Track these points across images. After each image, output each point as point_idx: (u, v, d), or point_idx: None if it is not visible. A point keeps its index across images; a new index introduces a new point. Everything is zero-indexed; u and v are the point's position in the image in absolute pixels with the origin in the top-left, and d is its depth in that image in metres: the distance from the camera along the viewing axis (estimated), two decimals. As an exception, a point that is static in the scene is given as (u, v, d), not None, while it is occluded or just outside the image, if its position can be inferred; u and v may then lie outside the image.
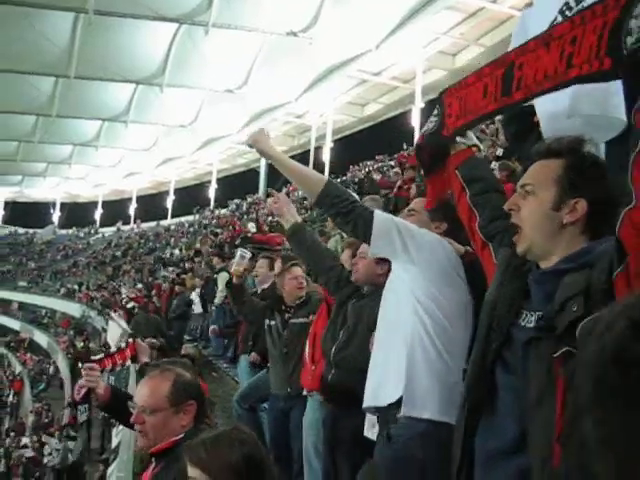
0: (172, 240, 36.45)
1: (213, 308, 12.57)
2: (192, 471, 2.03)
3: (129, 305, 16.83)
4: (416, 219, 3.12)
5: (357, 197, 2.99)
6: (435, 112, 2.54)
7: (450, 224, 2.99)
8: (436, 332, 2.72)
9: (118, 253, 41.08)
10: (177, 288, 14.91)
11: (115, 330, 16.04)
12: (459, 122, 2.40)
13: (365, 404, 2.90)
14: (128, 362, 4.26)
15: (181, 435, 2.54)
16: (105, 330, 22.01)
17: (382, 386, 2.79)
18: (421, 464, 2.63)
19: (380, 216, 2.81)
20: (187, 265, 22.22)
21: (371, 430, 3.07)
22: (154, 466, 2.63)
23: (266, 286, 6.83)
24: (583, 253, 1.85)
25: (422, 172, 2.79)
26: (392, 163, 20.67)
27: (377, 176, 19.09)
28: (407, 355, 2.71)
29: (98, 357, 4.04)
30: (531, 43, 1.93)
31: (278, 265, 5.68)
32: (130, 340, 4.28)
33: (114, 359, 4.17)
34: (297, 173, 3.03)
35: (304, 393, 4.51)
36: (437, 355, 2.70)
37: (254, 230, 19.30)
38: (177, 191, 46.76)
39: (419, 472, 2.64)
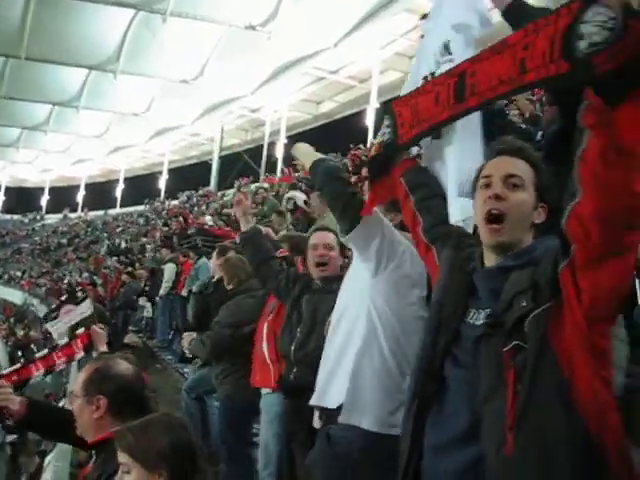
0: (120, 230, 35.92)
1: (157, 299, 12.45)
2: (121, 456, 2.08)
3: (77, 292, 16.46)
4: (335, 254, 3.21)
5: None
6: (386, 123, 2.59)
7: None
8: (387, 341, 2.73)
9: (64, 241, 40.31)
10: (124, 278, 14.69)
11: (58, 318, 15.68)
12: (413, 131, 2.43)
13: (312, 401, 2.94)
14: (79, 355, 4.00)
15: (113, 430, 2.48)
16: (47, 318, 21.55)
17: (329, 386, 2.82)
18: (356, 467, 2.66)
19: (377, 212, 2.88)
20: (136, 256, 21.93)
21: (317, 422, 3.08)
22: (95, 459, 2.61)
23: (216, 279, 6.77)
24: (529, 250, 1.95)
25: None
26: (345, 161, 20.65)
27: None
28: (355, 361, 2.73)
29: (7, 371, 3.86)
30: (484, 52, 1.99)
31: (214, 258, 5.89)
32: (80, 330, 4.03)
33: (51, 360, 3.96)
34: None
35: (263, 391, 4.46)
36: (384, 367, 2.72)
37: (211, 223, 19.16)
38: (127, 180, 46.09)
39: (353, 475, 2.67)
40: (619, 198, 1.59)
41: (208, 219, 20.67)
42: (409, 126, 2.44)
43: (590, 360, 1.71)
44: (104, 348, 3.90)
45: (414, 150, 2.72)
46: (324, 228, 4.08)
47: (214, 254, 6.92)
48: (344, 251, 3.90)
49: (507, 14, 2.65)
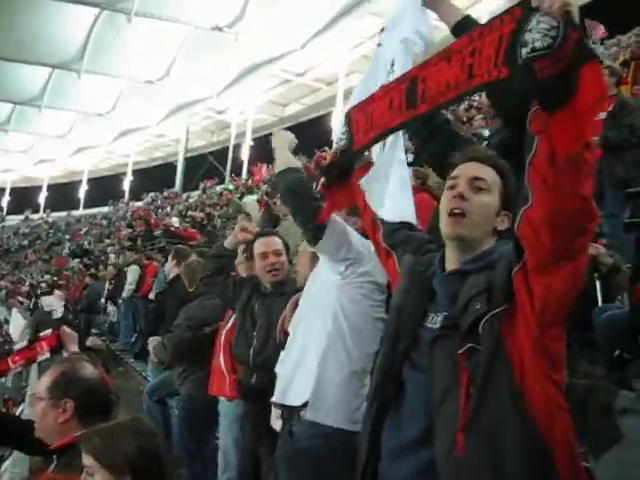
0: (84, 231, 35.52)
1: (120, 301, 12.31)
2: (86, 459, 2.06)
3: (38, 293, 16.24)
4: (284, 259, 3.28)
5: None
6: (344, 129, 2.59)
7: None
8: (352, 341, 2.76)
9: (25, 242, 39.71)
10: (87, 280, 14.50)
11: (18, 321, 15.43)
12: (368, 137, 2.43)
13: (274, 399, 2.94)
14: (41, 357, 3.87)
15: (76, 434, 2.43)
16: (7, 321, 21.18)
17: (292, 384, 2.83)
18: (321, 463, 2.68)
19: (337, 218, 2.89)
20: (99, 258, 21.66)
21: (276, 422, 3.10)
22: (56, 463, 2.53)
23: (170, 279, 6.87)
24: (486, 254, 1.97)
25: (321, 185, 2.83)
26: (310, 165, 20.68)
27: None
28: (320, 359, 2.74)
29: None
30: (433, 58, 2.00)
31: (169, 261, 5.99)
32: (47, 332, 3.90)
33: (12, 359, 3.87)
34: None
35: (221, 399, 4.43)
36: (350, 365, 2.74)
37: (177, 225, 19.05)
38: (91, 181, 45.52)
39: (318, 470, 2.69)
40: (568, 202, 1.62)
41: (175, 221, 20.56)
42: (363, 132, 2.46)
43: (542, 363, 1.74)
44: (76, 348, 3.82)
45: (374, 155, 2.69)
46: (269, 233, 4.07)
47: (169, 256, 6.92)
48: (289, 252, 3.92)
49: (456, 30, 2.68)
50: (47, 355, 3.85)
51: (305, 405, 2.75)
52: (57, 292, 14.51)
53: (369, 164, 2.58)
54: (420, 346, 1.98)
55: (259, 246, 3.85)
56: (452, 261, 2.04)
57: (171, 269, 6.68)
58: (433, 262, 2.11)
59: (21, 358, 3.87)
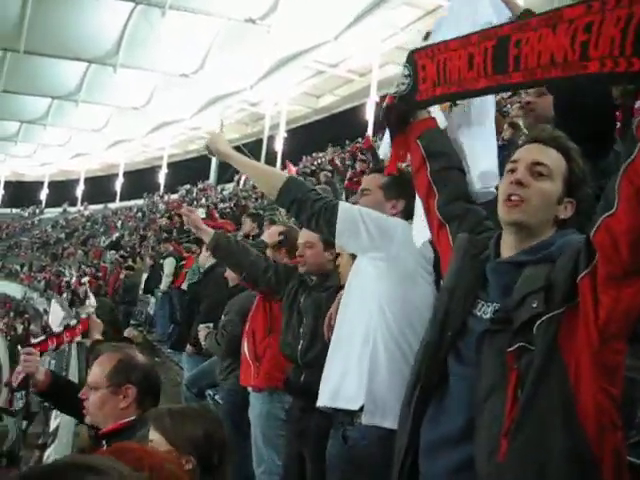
0: (120, 223, 35.93)
1: (159, 294, 12.44)
2: (153, 434, 2.11)
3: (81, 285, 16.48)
4: (372, 199, 2.97)
5: (320, 193, 2.86)
6: (405, 72, 2.31)
7: (407, 201, 2.85)
8: (402, 334, 2.66)
9: (63, 235, 40.32)
10: (124, 272, 14.70)
11: (57, 311, 15.71)
12: (437, 90, 2.19)
13: (321, 403, 2.83)
14: (77, 339, 4.15)
15: (130, 418, 2.52)
16: (47, 312, 21.56)
17: (341, 388, 2.73)
18: (377, 468, 2.56)
19: (345, 208, 2.73)
20: (135, 250, 21.94)
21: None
22: (106, 448, 2.58)
23: (205, 269, 6.94)
24: (545, 245, 1.84)
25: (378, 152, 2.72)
26: (344, 156, 20.68)
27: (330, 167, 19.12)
28: (370, 360, 2.65)
29: (38, 340, 3.93)
30: (532, 21, 1.77)
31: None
32: (84, 316, 4.14)
33: (60, 338, 4.07)
34: (258, 172, 2.98)
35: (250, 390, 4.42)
36: (402, 361, 2.63)
37: (203, 216, 19.12)
38: (127, 174, 46.06)
39: (374, 476, 2.59)
40: None
41: (200, 212, 20.67)
42: (432, 84, 2.20)
43: (599, 374, 1.64)
44: (98, 336, 3.99)
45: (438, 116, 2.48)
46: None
47: (204, 246, 6.95)
48: (329, 246, 3.81)
49: None
50: (78, 339, 4.12)
51: (360, 409, 2.64)
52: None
53: (429, 120, 2.40)
54: (468, 336, 1.89)
55: (305, 236, 3.84)
56: (508, 247, 1.92)
57: (206, 259, 6.72)
58: (488, 245, 1.99)
59: (55, 341, 4.04)
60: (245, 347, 4.42)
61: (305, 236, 3.73)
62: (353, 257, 3.18)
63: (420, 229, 2.41)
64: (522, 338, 1.68)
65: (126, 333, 8.78)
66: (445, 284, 2.06)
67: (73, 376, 7.30)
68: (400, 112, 2.37)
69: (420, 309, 2.66)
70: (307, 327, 3.66)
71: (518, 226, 1.88)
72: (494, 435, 1.68)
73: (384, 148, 2.73)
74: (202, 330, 5.40)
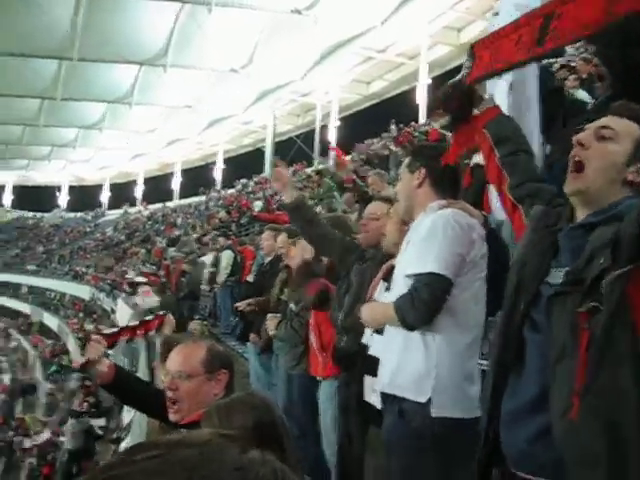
0: (179, 221, 36.48)
1: (217, 287, 12.66)
2: None
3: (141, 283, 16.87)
4: (380, 224, 3.08)
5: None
6: (467, 64, 2.47)
7: (430, 169, 2.91)
8: (462, 313, 2.66)
9: (124, 235, 41.12)
10: (185, 267, 14.96)
11: (125, 310, 16.15)
12: (483, 71, 2.36)
13: (380, 387, 2.80)
14: (151, 333, 4.34)
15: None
16: (114, 311, 22.15)
17: (401, 373, 2.69)
18: (439, 442, 2.57)
19: (447, 269, 2.65)
20: (195, 245, 22.28)
21: (371, 395, 3.06)
22: None
23: (270, 259, 6.91)
24: (613, 206, 1.84)
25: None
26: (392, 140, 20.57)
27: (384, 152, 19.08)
28: (429, 340, 2.63)
29: (110, 331, 4.07)
30: None
31: (282, 239, 5.72)
32: (161, 312, 4.36)
33: (134, 332, 4.24)
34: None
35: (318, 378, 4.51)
36: (463, 340, 2.64)
37: (259, 209, 19.33)
38: (183, 172, 46.67)
39: (437, 451, 2.58)
40: None
41: (257, 205, 20.82)
42: (483, 68, 2.38)
43: None
44: (169, 333, 4.15)
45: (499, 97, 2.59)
46: (379, 198, 4.08)
47: (264, 235, 7.06)
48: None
49: None
50: (152, 333, 4.29)
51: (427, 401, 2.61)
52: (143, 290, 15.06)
53: (494, 108, 2.49)
54: (540, 303, 1.90)
55: (369, 208, 3.88)
56: (578, 217, 1.93)
57: (270, 247, 6.79)
58: (561, 216, 2.00)
59: (129, 334, 4.22)
60: (312, 338, 4.54)
61: (372, 207, 3.77)
62: (403, 222, 3.22)
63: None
64: (593, 298, 1.67)
65: (190, 328, 8.99)
66: (516, 256, 2.08)
67: (142, 372, 7.48)
68: (461, 100, 2.49)
69: (476, 289, 2.69)
70: (351, 294, 3.75)
71: (581, 195, 1.90)
72: (566, 395, 1.69)
73: None
74: (271, 320, 5.37)
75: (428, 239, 2.68)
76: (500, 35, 2.28)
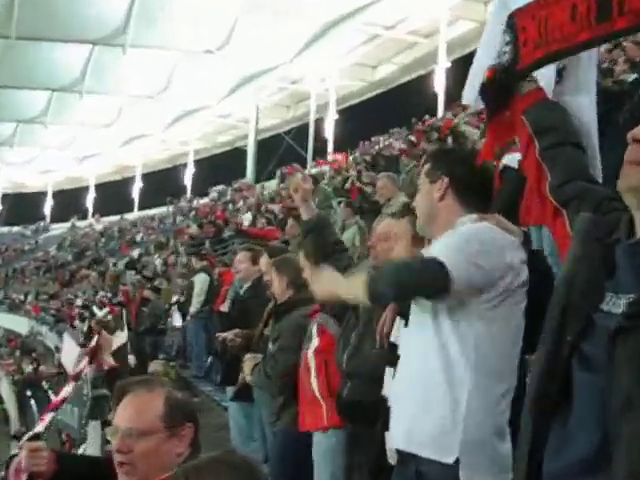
0: (140, 237, 36.49)
1: (189, 318, 12.61)
2: None
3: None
4: (391, 246, 3.08)
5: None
6: (507, 39, 2.43)
7: (454, 177, 2.89)
8: (496, 351, 2.64)
9: (70, 257, 41.01)
10: (146, 293, 14.91)
11: (71, 348, 16.01)
12: (538, 52, 2.30)
13: (394, 444, 2.79)
14: (85, 372, 4.19)
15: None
16: (58, 349, 21.98)
17: (420, 426, 2.67)
18: None
19: (455, 269, 2.58)
20: (158, 267, 22.25)
21: (394, 456, 2.96)
22: None
23: (248, 285, 6.82)
24: None
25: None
26: (412, 138, 20.64)
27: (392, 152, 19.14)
28: (466, 397, 2.60)
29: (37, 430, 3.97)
30: None
31: (265, 261, 5.72)
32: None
33: (77, 376, 4.16)
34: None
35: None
36: (498, 395, 2.62)
37: (248, 222, 19.34)
38: (145, 177, 46.77)
39: None
40: None
41: (246, 217, 20.86)
42: (534, 46, 2.32)
43: None
44: (110, 359, 4.04)
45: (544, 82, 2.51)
46: (389, 214, 4.06)
47: (238, 257, 7.03)
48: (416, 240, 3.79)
49: None
50: (85, 373, 4.14)
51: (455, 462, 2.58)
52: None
53: (536, 91, 2.46)
54: (594, 336, 1.82)
55: (381, 227, 3.87)
56: (639, 228, 1.85)
57: (248, 272, 6.76)
58: (616, 226, 1.93)
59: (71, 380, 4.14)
60: (313, 382, 4.47)
61: (382, 226, 3.75)
62: (415, 242, 3.22)
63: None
64: None
65: (151, 368, 8.91)
66: (562, 274, 2.01)
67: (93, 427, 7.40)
68: (502, 87, 2.46)
69: (511, 326, 2.66)
70: (358, 329, 3.77)
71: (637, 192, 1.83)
72: (636, 457, 1.63)
73: (468, 94, 2.78)
74: (248, 361, 5.32)
75: (443, 242, 2.70)
76: (547, 2, 2.23)
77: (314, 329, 4.59)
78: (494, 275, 2.60)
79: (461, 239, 2.65)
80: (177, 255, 24.03)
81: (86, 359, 4.12)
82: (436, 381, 2.62)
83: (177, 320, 13.93)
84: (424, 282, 2.60)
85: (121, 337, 5.53)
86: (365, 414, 3.47)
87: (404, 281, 2.62)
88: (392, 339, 3.17)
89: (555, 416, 1.89)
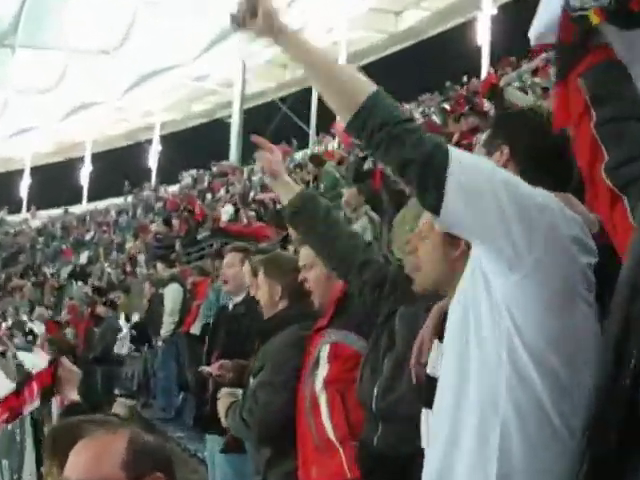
0: (90, 236, 36.61)
1: (159, 344, 12.60)
2: None
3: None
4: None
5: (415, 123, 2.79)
6: None
7: (515, 147, 2.91)
8: (550, 393, 2.59)
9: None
10: (99, 310, 14.93)
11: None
12: None
13: None
14: (33, 405, 4.16)
15: None
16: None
17: (452, 474, 2.67)
18: None
19: (463, 160, 2.60)
20: (114, 276, 22.27)
21: None
22: None
23: (241, 299, 6.76)
24: None
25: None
26: (446, 105, 20.69)
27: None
28: (499, 447, 2.58)
29: None
30: None
31: (247, 269, 5.84)
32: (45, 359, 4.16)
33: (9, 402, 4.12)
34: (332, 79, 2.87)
35: None
36: (549, 430, 2.59)
37: (228, 216, 19.35)
38: (97, 158, 46.93)
39: None
40: None
41: (226, 211, 20.83)
42: None
43: None
44: (75, 396, 4.00)
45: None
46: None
47: (227, 259, 6.97)
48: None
49: None
50: (37, 403, 4.08)
51: None
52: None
53: (603, 49, 2.45)
54: None
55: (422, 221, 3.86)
56: None
57: (237, 282, 6.65)
58: None
59: (3, 410, 4.08)
60: (325, 423, 4.36)
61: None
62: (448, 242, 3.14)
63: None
64: None
65: (115, 409, 8.88)
66: (622, 276, 2.02)
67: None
68: (580, 39, 2.45)
69: (583, 348, 2.60)
70: (391, 358, 3.72)
71: None
72: None
73: (538, 26, 2.72)
74: (224, 397, 5.26)
75: None
76: None
77: (324, 351, 4.45)
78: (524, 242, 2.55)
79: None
80: (135, 263, 24.08)
81: (37, 389, 4.08)
82: (465, 419, 2.65)
83: (123, 346, 13.91)
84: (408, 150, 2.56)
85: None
86: (396, 471, 3.47)
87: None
88: (429, 370, 3.15)
89: (614, 467, 1.85)
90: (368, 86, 2.72)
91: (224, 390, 5.35)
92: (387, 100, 2.70)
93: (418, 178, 2.59)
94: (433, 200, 2.58)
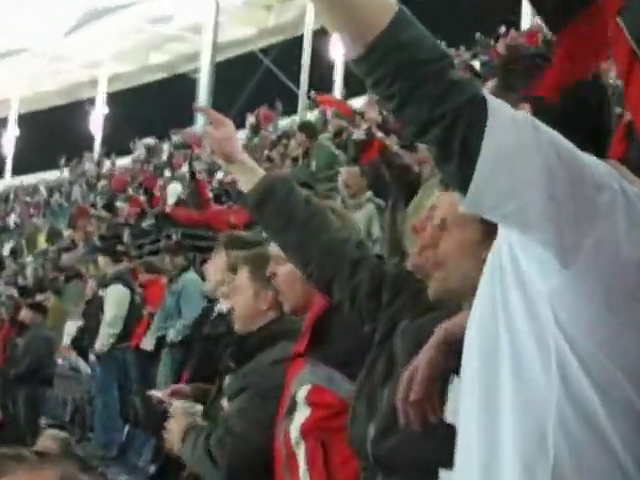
0: (13, 220, 36.55)
1: (93, 358, 12.61)
2: None
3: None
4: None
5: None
6: None
7: (537, 109, 2.73)
8: (612, 417, 2.51)
9: None
10: (23, 315, 14.92)
11: None
12: None
13: None
14: None
15: None
16: None
17: None
18: None
19: (504, 118, 2.37)
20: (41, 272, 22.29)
21: None
22: None
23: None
24: None
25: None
26: (485, 57, 20.77)
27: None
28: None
29: None
30: None
31: (220, 260, 5.98)
32: None
33: None
34: None
35: None
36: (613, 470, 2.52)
37: (175, 198, 19.32)
38: (24, 120, 46.70)
39: None
40: None
41: (172, 190, 20.77)
42: None
43: None
44: None
45: None
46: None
47: (217, 259, 7.01)
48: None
49: None
50: None
51: None
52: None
53: None
54: None
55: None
56: None
57: (215, 281, 6.72)
58: None
59: None
60: (302, 471, 4.27)
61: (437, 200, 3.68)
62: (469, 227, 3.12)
63: None
64: None
65: (43, 441, 8.92)
66: None
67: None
68: None
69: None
70: (392, 389, 3.52)
71: None
72: None
73: None
74: (177, 417, 5.08)
75: None
76: None
77: (302, 392, 4.35)
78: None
79: None
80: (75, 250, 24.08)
81: None
82: (503, 456, 2.53)
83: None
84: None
85: None
86: None
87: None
88: (450, 417, 3.10)
89: None
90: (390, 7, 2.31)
91: (177, 405, 5.24)
92: (416, 27, 2.30)
93: (442, 140, 2.29)
94: (460, 171, 2.36)
